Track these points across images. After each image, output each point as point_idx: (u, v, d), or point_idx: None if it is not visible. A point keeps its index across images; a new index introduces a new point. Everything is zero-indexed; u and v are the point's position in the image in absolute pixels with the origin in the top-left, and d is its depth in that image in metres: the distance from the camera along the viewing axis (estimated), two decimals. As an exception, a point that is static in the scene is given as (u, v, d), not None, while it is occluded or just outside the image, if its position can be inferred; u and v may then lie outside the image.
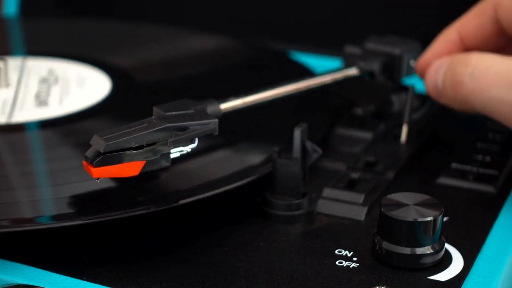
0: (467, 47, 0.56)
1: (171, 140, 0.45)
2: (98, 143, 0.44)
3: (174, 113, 0.47)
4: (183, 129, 0.46)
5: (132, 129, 0.45)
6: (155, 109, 0.47)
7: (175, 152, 0.46)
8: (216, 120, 0.47)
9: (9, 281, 0.44)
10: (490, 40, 0.56)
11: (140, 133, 0.44)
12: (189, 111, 0.47)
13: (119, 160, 0.44)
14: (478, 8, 0.56)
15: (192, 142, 0.47)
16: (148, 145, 0.45)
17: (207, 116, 0.47)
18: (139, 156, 0.44)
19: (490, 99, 0.51)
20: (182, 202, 0.46)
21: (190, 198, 0.47)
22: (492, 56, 0.52)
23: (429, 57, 0.57)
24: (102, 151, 0.43)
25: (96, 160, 0.43)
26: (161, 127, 0.45)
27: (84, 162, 0.44)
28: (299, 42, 0.75)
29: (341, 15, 0.75)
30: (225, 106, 0.50)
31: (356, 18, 0.75)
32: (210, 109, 0.49)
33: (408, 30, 0.64)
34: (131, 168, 0.44)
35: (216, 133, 0.47)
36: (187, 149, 0.46)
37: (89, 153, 0.44)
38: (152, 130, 0.45)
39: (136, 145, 0.44)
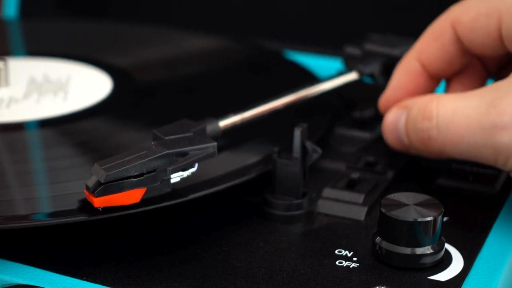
0: (431, 73, 0.53)
1: (170, 168, 0.45)
2: (98, 173, 0.44)
3: (173, 137, 0.47)
4: (183, 154, 0.46)
5: (132, 156, 0.45)
6: (154, 132, 0.47)
7: (175, 177, 0.46)
8: (215, 143, 0.47)
9: (9, 281, 0.44)
10: (454, 61, 0.53)
11: (140, 161, 0.44)
12: (188, 134, 0.47)
13: (120, 189, 0.44)
14: (434, 29, 0.53)
15: (192, 166, 0.47)
16: (149, 172, 0.45)
17: (206, 139, 0.47)
18: (139, 184, 0.45)
19: (466, 147, 0.47)
20: (191, 196, 0.46)
21: (192, 195, 0.47)
22: (452, 98, 0.48)
23: (391, 93, 0.54)
24: (102, 181, 0.44)
25: (97, 190, 0.44)
26: (161, 154, 0.45)
27: (85, 192, 0.44)
28: (299, 42, 0.75)
29: (341, 15, 0.75)
30: (224, 124, 0.51)
31: (356, 17, 0.75)
32: (210, 128, 0.49)
33: (408, 30, 0.64)
34: (132, 196, 0.45)
35: (215, 156, 0.47)
36: (187, 173, 0.47)
37: (90, 183, 0.44)
38: (151, 158, 0.45)
39: (136, 173, 0.44)
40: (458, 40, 0.52)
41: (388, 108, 0.54)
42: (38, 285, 0.44)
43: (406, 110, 0.51)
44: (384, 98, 0.54)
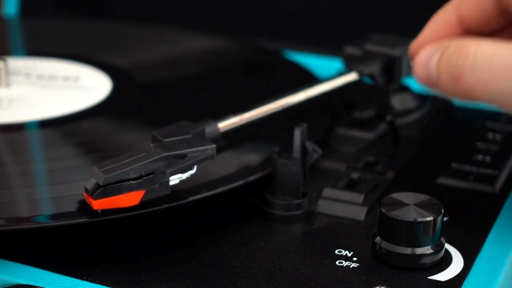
0: (465, 28, 0.52)
1: (169, 171, 0.45)
2: (97, 176, 0.44)
3: (171, 139, 0.47)
4: (182, 156, 0.46)
5: (131, 159, 0.45)
6: (153, 134, 0.47)
7: (174, 179, 0.46)
8: (214, 145, 0.47)
9: (9, 281, 0.44)
10: (490, 20, 0.51)
11: (139, 164, 0.45)
12: (187, 136, 0.47)
13: (119, 191, 0.44)
14: None
15: (190, 168, 0.47)
16: (147, 174, 0.45)
17: (205, 141, 0.48)
18: (138, 186, 0.45)
19: (499, 92, 0.46)
20: (191, 199, 0.46)
21: (192, 197, 0.47)
22: (493, 43, 0.47)
23: (423, 39, 0.52)
24: (101, 184, 0.44)
25: (96, 193, 0.44)
26: (159, 156, 0.45)
27: (84, 194, 0.44)
28: (299, 42, 0.75)
29: (341, 15, 0.75)
30: (223, 125, 0.51)
31: (356, 17, 0.75)
32: (208, 130, 0.49)
33: (408, 30, 0.63)
34: (131, 198, 0.45)
35: (215, 158, 0.47)
36: (186, 175, 0.47)
37: (89, 185, 0.44)
38: (150, 160, 0.45)
39: (135, 175, 0.45)
40: (498, 1, 0.50)
41: (417, 52, 0.51)
42: (38, 285, 0.44)
43: (443, 48, 0.49)
44: (416, 43, 0.53)
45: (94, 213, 0.44)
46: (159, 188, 0.45)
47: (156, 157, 0.45)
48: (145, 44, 0.69)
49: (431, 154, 0.57)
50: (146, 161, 0.45)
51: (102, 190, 0.44)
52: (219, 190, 0.48)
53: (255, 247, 0.47)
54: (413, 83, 0.64)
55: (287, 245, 0.47)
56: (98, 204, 0.44)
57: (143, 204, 0.45)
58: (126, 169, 0.44)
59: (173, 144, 0.47)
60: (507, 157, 0.56)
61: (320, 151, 0.49)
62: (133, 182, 0.45)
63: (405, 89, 0.62)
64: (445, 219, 0.49)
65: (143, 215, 0.46)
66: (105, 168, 0.44)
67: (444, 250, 0.46)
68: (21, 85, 0.61)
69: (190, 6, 0.80)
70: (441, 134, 0.60)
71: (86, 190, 0.44)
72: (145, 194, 0.45)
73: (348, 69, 0.58)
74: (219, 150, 0.49)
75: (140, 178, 0.45)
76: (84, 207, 0.45)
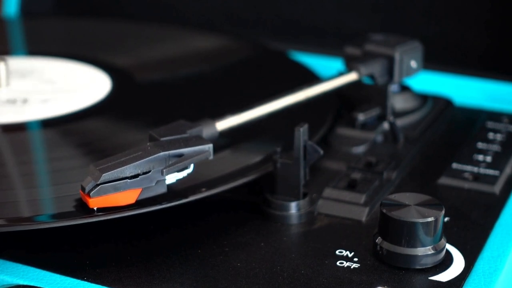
0: None
1: (165, 169, 0.45)
2: (94, 174, 0.44)
3: (168, 138, 0.47)
4: (178, 155, 0.46)
5: (127, 157, 0.45)
6: (150, 133, 0.47)
7: (170, 178, 0.46)
8: (211, 144, 0.47)
9: (9, 281, 0.44)
10: None
11: (135, 162, 0.45)
12: (184, 135, 0.47)
13: (115, 190, 0.44)
14: None
15: (187, 167, 0.47)
16: (144, 173, 0.45)
17: (202, 140, 0.47)
18: (135, 184, 0.45)
19: None
20: (191, 198, 0.46)
21: (192, 197, 0.47)
22: None
23: None
24: (98, 182, 0.44)
25: (93, 191, 0.44)
26: (156, 155, 0.45)
27: (81, 192, 0.44)
28: (300, 42, 0.75)
29: (342, 15, 0.75)
30: (221, 126, 0.50)
31: (356, 17, 0.75)
32: (206, 130, 0.49)
33: (408, 30, 0.63)
34: (127, 197, 0.45)
35: (211, 157, 0.47)
36: (182, 174, 0.47)
37: (86, 183, 0.44)
38: (146, 159, 0.45)
39: (132, 174, 0.45)
40: None
41: None
42: (38, 285, 0.44)
43: None
44: None
45: (93, 212, 0.44)
46: (155, 187, 0.45)
47: (152, 156, 0.45)
48: (145, 44, 0.69)
49: (432, 154, 0.57)
50: (142, 160, 0.45)
51: (99, 189, 0.44)
52: (217, 190, 0.48)
53: (256, 247, 0.47)
54: (414, 83, 0.64)
55: (287, 245, 0.47)
56: (94, 202, 0.44)
57: (142, 203, 0.45)
58: (123, 167, 0.44)
59: (170, 143, 0.47)
60: (508, 157, 0.56)
61: (321, 151, 0.49)
62: (129, 180, 0.45)
63: (405, 89, 0.62)
64: (446, 219, 0.49)
65: (143, 215, 0.46)
66: (101, 167, 0.44)
67: (445, 250, 0.46)
68: (21, 85, 0.61)
69: (192, 5, 0.80)
70: (441, 134, 0.60)
71: (83, 189, 0.44)
72: (141, 193, 0.45)
73: (349, 69, 0.58)
74: (219, 149, 0.49)
75: (137, 177, 0.45)
76: (82, 207, 0.45)
